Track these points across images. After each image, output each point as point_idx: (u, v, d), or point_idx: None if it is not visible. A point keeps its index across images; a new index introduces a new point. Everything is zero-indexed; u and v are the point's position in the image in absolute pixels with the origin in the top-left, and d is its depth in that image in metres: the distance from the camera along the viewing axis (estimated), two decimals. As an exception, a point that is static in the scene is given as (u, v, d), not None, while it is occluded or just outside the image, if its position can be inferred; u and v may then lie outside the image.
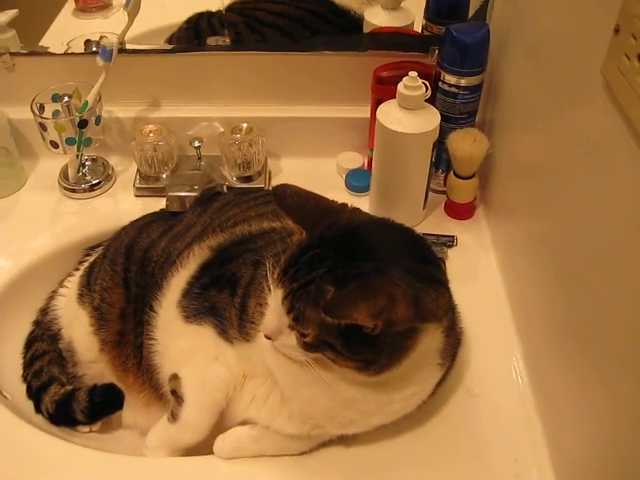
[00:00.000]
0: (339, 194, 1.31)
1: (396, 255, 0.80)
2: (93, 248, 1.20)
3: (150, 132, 1.31)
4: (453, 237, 1.25)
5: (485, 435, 0.98)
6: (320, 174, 1.36)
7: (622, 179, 0.74)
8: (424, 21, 1.32)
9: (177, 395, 0.92)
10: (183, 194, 1.19)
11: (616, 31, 0.72)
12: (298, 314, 0.76)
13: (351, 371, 0.78)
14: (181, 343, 0.95)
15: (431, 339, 0.83)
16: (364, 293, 0.72)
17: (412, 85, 1.13)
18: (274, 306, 0.80)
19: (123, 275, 1.07)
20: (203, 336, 0.93)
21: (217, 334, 0.92)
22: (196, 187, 1.21)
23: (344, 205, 0.85)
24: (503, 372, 1.06)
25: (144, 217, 1.19)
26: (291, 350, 0.80)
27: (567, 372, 0.91)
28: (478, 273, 1.21)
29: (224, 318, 0.92)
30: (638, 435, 0.72)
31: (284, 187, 0.83)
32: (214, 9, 1.39)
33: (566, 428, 0.92)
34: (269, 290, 0.84)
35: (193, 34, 1.40)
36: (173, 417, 0.92)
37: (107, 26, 1.36)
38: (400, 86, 1.14)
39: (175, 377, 0.93)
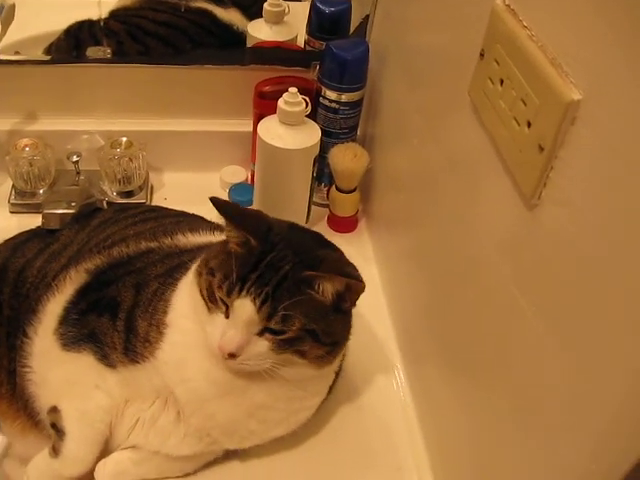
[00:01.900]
0: None
1: (325, 244, 0.92)
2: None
3: (26, 146, 1.25)
4: (336, 250, 1.25)
5: (369, 446, 1.00)
6: (203, 188, 1.28)
7: (487, 192, 0.78)
8: (306, 36, 1.33)
9: (57, 429, 0.88)
10: (60, 211, 1.15)
11: (481, 55, 0.75)
12: (285, 312, 0.78)
13: (307, 365, 0.83)
14: (59, 373, 0.91)
15: None
16: (349, 262, 0.87)
17: (292, 101, 1.13)
18: (234, 320, 0.80)
19: (-5, 297, 1.02)
20: (82, 364, 0.90)
21: (97, 360, 0.89)
22: (73, 204, 1.16)
23: (261, 212, 0.92)
24: (385, 384, 1.08)
25: (19, 235, 1.13)
26: (256, 359, 0.81)
27: (445, 382, 0.94)
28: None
29: (104, 344, 0.89)
30: (503, 439, 0.76)
31: (219, 199, 0.86)
32: (95, 17, 1.35)
33: (444, 435, 0.95)
34: (211, 306, 0.83)
35: (73, 43, 1.36)
36: (55, 451, 0.88)
37: (-19, 33, 1.30)
38: (280, 102, 1.14)
39: (55, 410, 0.89)
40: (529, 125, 0.65)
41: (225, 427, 0.87)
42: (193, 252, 0.96)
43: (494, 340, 0.77)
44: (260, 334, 0.80)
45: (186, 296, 0.88)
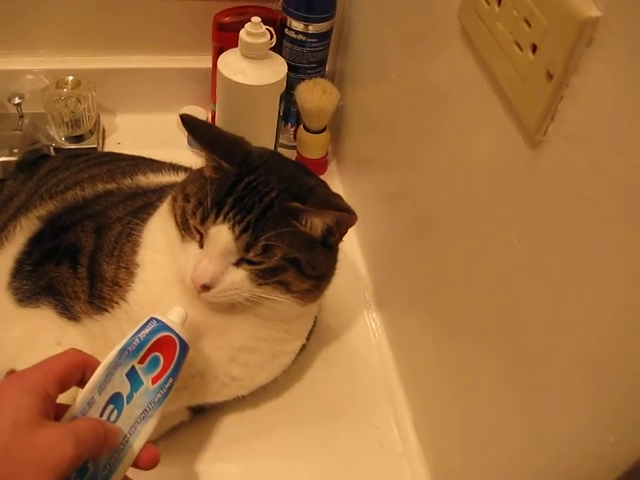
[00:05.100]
0: (182, 152, 1.24)
1: (309, 174, 0.86)
2: None
3: (-39, 88, 1.17)
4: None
5: (346, 405, 0.95)
6: (160, 131, 1.29)
7: (481, 129, 0.71)
8: (268, -39, 1.25)
9: None
10: (2, 159, 1.08)
11: (474, -29, 0.66)
12: (266, 243, 0.73)
13: (292, 300, 0.78)
14: (16, 331, 0.85)
15: None
16: (336, 194, 0.80)
17: (255, 32, 1.06)
18: (208, 249, 0.74)
19: None
20: (41, 320, 0.83)
21: (58, 314, 0.83)
22: (16, 150, 1.10)
23: (242, 137, 0.85)
24: (362, 338, 1.04)
25: (-43, 188, 1.06)
26: (232, 290, 0.75)
27: (425, 333, 0.90)
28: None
29: (65, 295, 0.83)
30: (490, 392, 0.72)
31: (191, 117, 0.80)
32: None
33: (426, 389, 0.91)
34: (185, 234, 0.78)
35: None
36: None
37: None
38: (242, 33, 1.07)
39: (12, 373, 0.82)
40: (534, 49, 0.58)
41: (205, 374, 0.82)
42: (159, 192, 0.91)
43: (485, 289, 0.72)
44: (237, 264, 0.75)
45: (158, 230, 0.83)
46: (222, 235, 0.73)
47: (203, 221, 0.74)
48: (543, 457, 0.62)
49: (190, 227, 0.76)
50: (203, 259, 0.74)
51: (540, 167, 0.59)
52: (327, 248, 0.80)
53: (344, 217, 0.77)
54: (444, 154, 0.81)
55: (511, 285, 0.66)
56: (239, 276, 0.74)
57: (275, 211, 0.74)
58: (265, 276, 0.75)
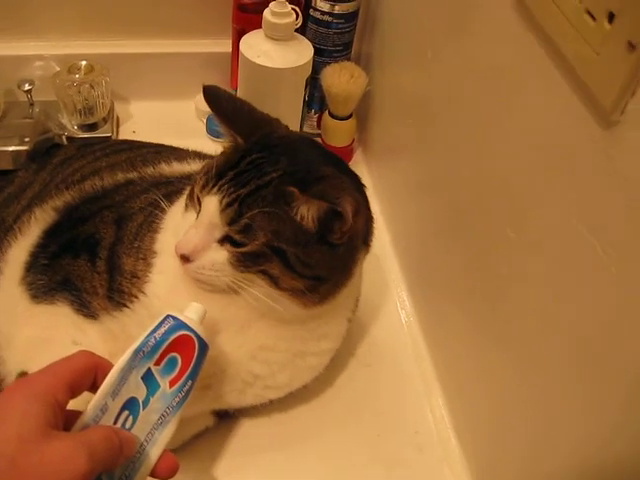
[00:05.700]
0: (200, 140, 1.19)
1: (339, 166, 0.80)
2: None
3: (-32, 75, 1.14)
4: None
5: (382, 408, 0.91)
6: (177, 118, 1.26)
7: (540, 110, 0.66)
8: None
9: None
10: (12, 148, 1.07)
11: None
12: (249, 221, 0.70)
13: (287, 299, 0.74)
14: (29, 330, 0.81)
15: (356, 276, 0.82)
16: (347, 188, 0.72)
17: (280, 11, 1.03)
18: (199, 220, 0.73)
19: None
20: (57, 317, 0.80)
21: (75, 311, 0.80)
22: (27, 139, 1.08)
23: (277, 119, 0.83)
24: (396, 336, 1.00)
25: (-36, 180, 1.03)
26: (212, 269, 0.73)
27: (464, 329, 0.86)
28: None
29: (83, 290, 0.80)
30: (534, 393, 0.69)
31: (216, 89, 0.79)
32: None
33: (465, 389, 0.87)
34: (188, 203, 0.77)
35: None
36: None
37: None
38: (266, 13, 1.05)
39: (24, 375, 0.78)
40: (611, 18, 0.53)
41: (226, 371, 0.79)
42: (185, 179, 0.88)
43: (541, 285, 0.67)
44: (222, 242, 0.72)
45: (179, 212, 0.79)
46: (211, 206, 0.71)
47: (202, 189, 0.73)
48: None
49: (193, 195, 0.75)
50: (191, 229, 0.73)
51: (616, 150, 0.54)
52: (327, 246, 0.74)
53: (329, 209, 0.71)
54: (493, 138, 0.76)
55: (578, 283, 0.61)
56: (221, 257, 0.72)
57: (269, 191, 0.71)
58: (246, 261, 0.72)
